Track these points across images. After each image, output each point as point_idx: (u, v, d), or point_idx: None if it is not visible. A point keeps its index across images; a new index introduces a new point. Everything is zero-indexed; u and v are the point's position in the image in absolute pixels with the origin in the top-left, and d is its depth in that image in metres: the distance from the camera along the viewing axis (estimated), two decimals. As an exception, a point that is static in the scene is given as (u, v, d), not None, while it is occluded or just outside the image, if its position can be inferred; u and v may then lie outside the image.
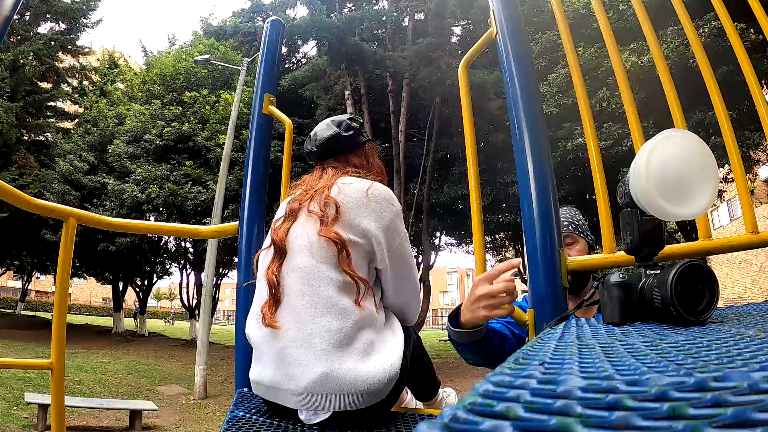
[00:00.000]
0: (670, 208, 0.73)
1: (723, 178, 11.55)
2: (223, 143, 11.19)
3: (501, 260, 18.91)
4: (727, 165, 6.85)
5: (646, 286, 0.73)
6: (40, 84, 15.53)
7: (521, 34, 1.32)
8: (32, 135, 15.49)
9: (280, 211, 1.15)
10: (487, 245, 16.26)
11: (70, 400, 6.08)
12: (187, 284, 18.06)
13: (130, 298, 24.65)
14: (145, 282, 19.13)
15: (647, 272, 0.75)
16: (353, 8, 13.59)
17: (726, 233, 17.87)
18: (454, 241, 17.65)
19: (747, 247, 1.09)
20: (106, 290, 27.85)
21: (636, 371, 0.30)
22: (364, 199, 1.05)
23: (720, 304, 0.74)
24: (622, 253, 0.94)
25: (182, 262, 18.21)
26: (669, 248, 1.06)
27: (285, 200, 1.18)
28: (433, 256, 14.71)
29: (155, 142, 13.32)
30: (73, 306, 35.24)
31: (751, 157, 10.08)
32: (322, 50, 13.14)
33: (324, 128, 1.25)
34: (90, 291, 44.05)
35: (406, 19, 13.37)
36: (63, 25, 15.96)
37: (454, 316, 1.13)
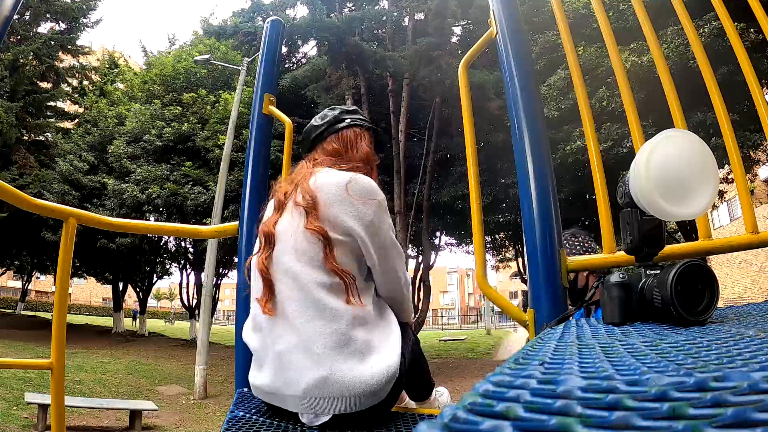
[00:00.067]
0: (670, 208, 0.73)
1: (723, 178, 11.55)
2: (223, 143, 11.19)
3: (501, 260, 18.92)
4: (727, 165, 6.85)
5: (646, 286, 0.73)
6: (40, 84, 15.52)
7: (521, 34, 1.32)
8: (32, 135, 15.49)
9: (270, 206, 1.16)
10: (487, 245, 16.26)
11: (70, 400, 6.08)
12: (187, 284, 18.07)
13: (130, 298, 24.67)
14: (145, 282, 19.13)
15: (647, 272, 0.75)
16: (353, 8, 13.58)
17: (726, 233, 17.86)
18: (454, 241, 17.64)
19: (747, 247, 1.09)
20: (106, 290, 27.84)
21: (636, 371, 0.30)
22: (343, 194, 1.03)
23: (720, 304, 0.74)
24: (622, 253, 0.94)
25: (182, 262, 18.21)
26: (669, 248, 1.06)
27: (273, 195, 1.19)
28: (433, 256, 14.70)
29: (155, 143, 13.32)
30: (73, 306, 35.25)
31: (751, 157, 10.09)
32: (322, 50, 13.14)
33: (314, 119, 1.26)
34: (90, 291, 44.05)
35: (407, 19, 13.37)
36: (63, 25, 15.96)
37: None
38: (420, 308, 12.66)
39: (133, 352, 12.82)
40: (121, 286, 18.53)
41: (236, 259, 2.63)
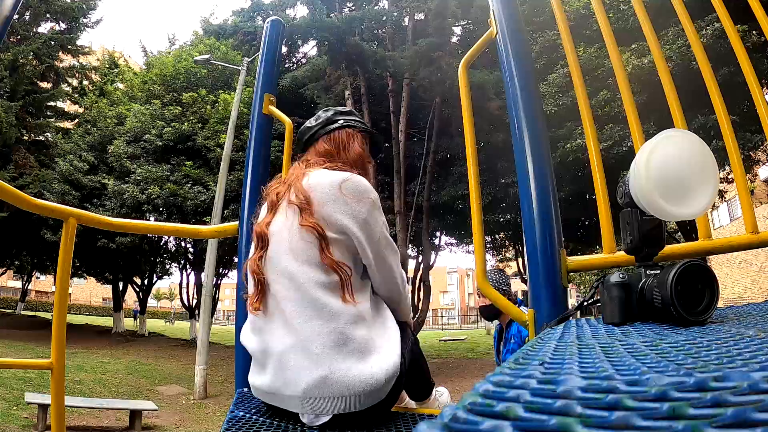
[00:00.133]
0: (670, 208, 0.73)
1: (723, 178, 11.55)
2: (223, 143, 11.19)
3: (501, 260, 18.92)
4: (727, 165, 6.85)
5: (646, 286, 0.73)
6: (40, 84, 15.52)
7: (521, 34, 1.32)
8: (32, 135, 15.48)
9: (264, 208, 1.16)
10: (487, 245, 16.25)
11: (70, 400, 6.08)
12: (187, 284, 18.07)
13: (130, 298, 24.66)
14: (145, 282, 19.13)
15: (647, 272, 0.75)
16: (353, 8, 13.58)
17: (726, 233, 17.86)
18: (454, 241, 17.64)
19: (747, 247, 1.09)
20: (106, 290, 27.84)
21: (636, 371, 0.30)
22: (337, 193, 1.04)
23: (720, 304, 0.74)
24: (622, 253, 0.94)
25: (182, 262, 18.21)
26: (669, 248, 1.06)
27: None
28: (433, 256, 14.70)
29: (155, 143, 13.32)
30: (73, 306, 35.24)
31: (751, 157, 10.09)
32: (322, 50, 13.13)
33: (309, 120, 1.27)
34: (90, 291, 44.05)
35: (407, 19, 13.37)
36: (63, 25, 15.96)
37: None
38: (420, 308, 12.65)
39: (133, 352, 12.82)
40: (121, 286, 18.53)
41: (236, 259, 2.63)
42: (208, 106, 13.83)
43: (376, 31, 13.60)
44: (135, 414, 6.46)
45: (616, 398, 0.22)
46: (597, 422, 0.19)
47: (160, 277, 20.64)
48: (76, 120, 16.60)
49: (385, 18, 13.02)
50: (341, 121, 1.23)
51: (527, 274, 1.15)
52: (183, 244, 16.84)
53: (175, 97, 14.61)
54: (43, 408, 5.48)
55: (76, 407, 6.46)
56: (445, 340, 20.96)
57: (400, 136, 12.28)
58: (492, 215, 12.80)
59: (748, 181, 1.27)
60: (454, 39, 13.40)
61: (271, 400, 1.03)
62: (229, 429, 1.01)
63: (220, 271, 16.32)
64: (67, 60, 16.45)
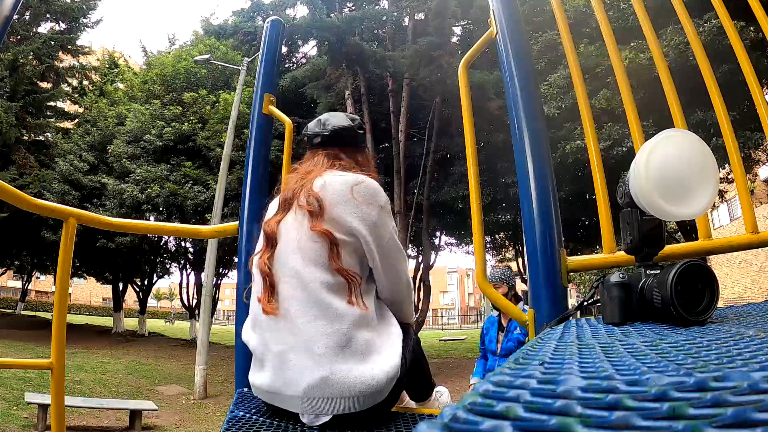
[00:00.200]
0: (670, 208, 0.73)
1: (723, 178, 11.54)
2: (224, 143, 11.19)
3: (501, 260, 18.91)
4: (727, 165, 6.85)
5: (646, 286, 0.73)
6: (40, 84, 15.51)
7: (521, 34, 1.32)
8: (32, 135, 15.47)
9: (274, 204, 1.15)
10: (487, 245, 16.25)
11: (70, 400, 6.08)
12: (187, 284, 18.06)
13: (131, 298, 24.66)
14: (145, 282, 19.13)
15: (647, 272, 0.75)
16: (353, 8, 13.58)
17: (726, 233, 17.86)
18: (454, 241, 17.63)
19: (747, 247, 1.09)
20: (106, 290, 27.83)
21: (636, 371, 0.30)
22: (348, 195, 1.04)
23: (720, 304, 0.74)
24: (622, 253, 0.94)
25: (182, 262, 18.21)
26: (669, 248, 1.06)
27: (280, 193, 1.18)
28: (433, 256, 14.70)
29: (155, 143, 13.32)
30: (73, 306, 35.23)
31: (751, 157, 10.08)
32: (322, 50, 13.13)
33: (340, 118, 1.23)
34: (90, 291, 44.04)
35: (407, 19, 13.36)
36: (63, 25, 15.95)
37: None
38: (420, 308, 12.65)
39: (133, 352, 12.82)
40: (121, 286, 18.53)
41: (236, 259, 2.63)
42: (208, 106, 13.82)
43: (376, 31, 13.60)
44: (135, 414, 6.46)
45: (616, 398, 0.22)
46: (597, 422, 0.19)
47: (160, 277, 20.63)
48: (76, 120, 16.60)
49: (385, 18, 13.02)
50: (362, 130, 1.25)
51: (527, 274, 1.15)
52: (183, 244, 16.84)
53: (175, 97, 14.61)
54: (43, 408, 5.48)
55: (76, 407, 6.46)
56: (445, 340, 20.96)
57: (400, 136, 12.28)
58: (492, 215, 12.79)
59: (748, 181, 1.27)
60: (454, 39, 13.39)
61: (272, 399, 1.03)
62: (229, 429, 1.01)
63: (220, 271, 16.32)
64: (67, 60, 16.44)
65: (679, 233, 12.19)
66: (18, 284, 31.81)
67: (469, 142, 1.37)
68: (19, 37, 14.61)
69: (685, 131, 0.78)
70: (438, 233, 16.07)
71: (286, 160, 1.63)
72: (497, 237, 15.98)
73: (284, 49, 13.41)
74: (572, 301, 1.14)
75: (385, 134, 13.02)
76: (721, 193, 11.89)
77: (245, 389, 1.32)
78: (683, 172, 0.73)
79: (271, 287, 1.03)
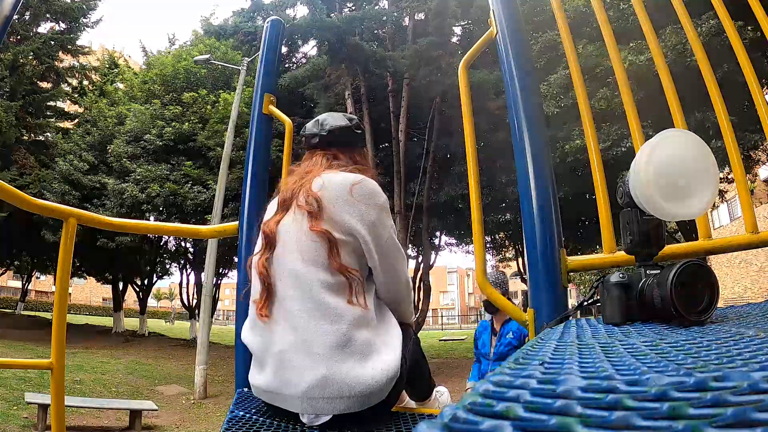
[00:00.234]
0: (670, 208, 0.73)
1: (723, 178, 11.54)
2: (224, 143, 11.19)
3: (501, 260, 18.91)
4: (727, 165, 6.85)
5: (646, 286, 0.73)
6: (40, 84, 15.51)
7: (521, 34, 1.32)
8: (32, 135, 15.47)
9: (272, 205, 1.15)
10: (487, 245, 16.25)
11: (70, 400, 6.08)
12: (187, 284, 18.06)
13: (131, 298, 24.65)
14: (145, 282, 19.13)
15: (647, 272, 0.75)
16: (353, 8, 13.57)
17: (726, 233, 17.85)
18: (454, 241, 17.63)
19: (747, 247, 1.09)
20: (106, 290, 27.83)
21: (636, 371, 0.30)
22: (347, 195, 1.04)
23: (720, 304, 0.74)
24: (622, 253, 0.94)
25: (182, 262, 18.21)
26: (669, 248, 1.06)
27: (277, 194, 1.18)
28: (433, 256, 14.70)
29: (155, 142, 13.32)
30: (73, 306, 35.21)
31: (751, 157, 10.08)
32: (322, 50, 13.13)
33: (337, 118, 1.23)
34: (90, 291, 44.03)
35: (407, 19, 13.36)
36: (63, 25, 15.94)
37: None
38: (420, 308, 12.65)
39: (133, 352, 12.82)
40: (121, 286, 18.52)
41: (236, 259, 2.63)
42: (209, 106, 13.82)
43: (376, 31, 13.60)
44: (135, 414, 6.46)
45: (616, 398, 0.22)
46: (597, 422, 0.19)
47: (160, 277, 20.63)
48: (76, 120, 16.60)
49: (385, 18, 13.02)
50: (360, 130, 1.25)
51: (527, 274, 1.15)
52: (183, 244, 16.84)
53: (175, 97, 14.61)
54: (43, 408, 5.48)
55: (76, 407, 6.46)
56: (445, 340, 20.96)
57: (400, 136, 12.28)
58: (492, 215, 12.80)
59: (748, 181, 1.27)
60: (454, 39, 13.40)
61: (272, 399, 1.03)
62: (229, 429, 1.01)
63: (220, 271, 16.32)
64: (67, 60, 16.44)
65: (679, 233, 12.19)
66: (18, 284, 31.80)
67: (469, 142, 1.37)
68: (19, 37, 14.61)
69: (686, 131, 0.78)
70: (438, 233, 16.07)
71: (286, 160, 1.63)
72: (497, 237, 15.98)
73: (284, 49, 13.42)
74: (572, 301, 1.14)
75: (385, 134, 13.02)
76: (721, 193, 11.89)
77: (245, 389, 1.32)
78: (683, 172, 0.73)
79: (267, 290, 1.03)
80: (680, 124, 1.15)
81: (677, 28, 7.28)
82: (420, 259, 14.12)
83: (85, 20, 16.15)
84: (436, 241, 16.15)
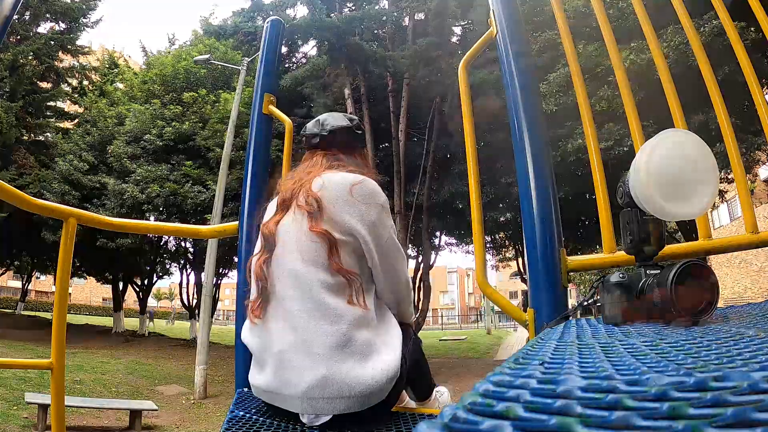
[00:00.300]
0: (670, 208, 0.73)
1: (723, 178, 11.54)
2: (224, 143, 11.19)
3: (501, 260, 18.90)
4: (727, 165, 6.85)
5: (646, 286, 0.73)
6: (40, 84, 15.50)
7: (521, 34, 1.32)
8: (32, 135, 15.48)
9: (272, 205, 1.15)
10: (487, 245, 16.25)
11: (70, 400, 6.08)
12: (187, 284, 18.05)
13: (131, 298, 24.65)
14: (145, 282, 19.13)
15: (647, 272, 0.75)
16: (353, 8, 13.57)
17: (726, 233, 17.85)
18: (454, 241, 17.63)
19: (747, 247, 1.09)
20: (106, 290, 27.83)
21: (636, 371, 0.30)
22: (347, 195, 1.04)
23: (720, 304, 0.74)
24: (622, 253, 0.94)
25: (182, 262, 18.21)
26: (669, 248, 1.06)
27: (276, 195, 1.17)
28: (433, 256, 14.70)
29: (155, 142, 13.32)
30: (73, 306, 35.20)
31: (751, 157, 10.08)
32: (322, 50, 13.13)
33: (338, 118, 1.23)
34: (90, 291, 44.03)
35: (407, 19, 13.37)
36: (63, 25, 15.94)
37: None
38: (420, 308, 12.65)
39: (133, 352, 12.82)
40: (121, 286, 18.52)
41: (236, 259, 2.63)
42: (208, 106, 13.82)
43: (376, 31, 13.60)
44: (135, 414, 6.46)
45: (616, 398, 0.22)
46: (597, 422, 0.19)
47: (160, 277, 20.62)
48: (76, 120, 16.59)
49: (385, 18, 13.02)
50: (360, 130, 1.25)
51: (527, 274, 1.15)
52: (183, 243, 16.84)
53: (174, 97, 14.61)
54: (43, 408, 5.48)
55: (76, 407, 6.46)
56: (445, 340, 20.96)
57: (400, 136, 12.28)
58: (492, 214, 12.80)
59: (748, 181, 1.27)
60: (454, 39, 13.40)
61: (272, 399, 1.03)
62: (229, 429, 1.01)
63: (220, 271, 16.31)
64: (67, 60, 16.44)
65: (679, 233, 12.19)
66: (18, 284, 31.79)
67: (469, 142, 1.37)
68: (19, 37, 14.61)
69: (686, 131, 0.78)
70: (438, 233, 16.07)
71: (286, 160, 1.63)
72: (497, 237, 15.98)
73: (284, 49, 13.43)
74: (572, 301, 1.14)
75: (385, 134, 13.02)
76: (721, 193, 11.89)
77: (245, 389, 1.32)
78: (683, 172, 0.73)
79: (262, 292, 1.03)
80: (681, 124, 1.15)
81: (678, 28, 7.28)
82: (420, 259, 14.12)
83: (85, 20, 16.15)
84: (436, 241, 16.16)
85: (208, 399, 8.84)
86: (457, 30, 13.68)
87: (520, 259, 16.40)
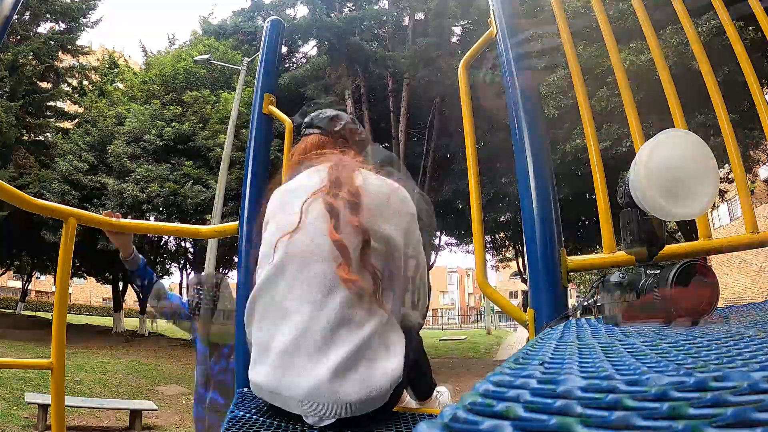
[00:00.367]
0: (670, 208, 0.73)
1: (723, 178, 11.54)
2: (223, 143, 11.19)
3: (501, 260, 18.90)
4: (727, 165, 6.85)
5: (646, 286, 0.73)
6: (40, 84, 15.51)
7: (521, 34, 1.32)
8: (32, 135, 15.48)
9: (275, 198, 1.11)
10: (487, 245, 16.25)
11: (70, 400, 6.07)
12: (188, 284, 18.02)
13: (131, 298, 24.64)
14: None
15: (647, 272, 0.75)
16: (353, 8, 13.58)
17: (726, 233, 17.85)
18: (454, 241, 17.64)
19: (747, 247, 1.09)
20: (106, 290, 27.81)
21: (636, 371, 0.30)
22: (385, 202, 1.03)
23: (720, 304, 0.74)
24: (622, 253, 0.94)
25: (182, 262, 18.20)
26: (669, 248, 1.06)
27: (285, 185, 1.14)
28: (433, 256, 14.70)
29: (155, 142, 13.32)
30: (73, 306, 35.17)
31: (751, 156, 10.08)
32: (322, 50, 13.14)
33: (346, 116, 1.24)
34: (90, 291, 43.99)
35: (407, 19, 13.37)
36: (62, 25, 15.94)
37: None
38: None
39: (133, 352, 12.82)
40: (121, 286, 18.51)
41: (236, 259, 2.63)
42: (208, 106, 13.83)
43: (376, 31, 13.60)
44: (135, 414, 6.46)
45: (616, 398, 0.22)
46: (597, 422, 0.19)
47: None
48: (76, 120, 16.59)
49: (385, 18, 13.03)
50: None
51: (527, 274, 1.15)
52: (183, 243, 16.84)
53: (174, 97, 14.61)
54: (43, 408, 5.48)
55: (76, 407, 6.45)
56: (445, 340, 20.95)
57: (400, 136, 12.28)
58: (492, 214, 12.80)
59: (748, 181, 1.27)
60: (454, 39, 13.40)
61: (273, 399, 1.02)
62: (229, 429, 1.01)
63: (220, 270, 16.31)
64: (66, 60, 16.44)
65: (679, 233, 12.19)
66: (18, 284, 31.77)
67: (469, 142, 1.37)
68: (19, 37, 14.61)
69: (686, 131, 0.78)
70: (438, 233, 16.07)
71: (286, 160, 1.63)
72: (497, 237, 15.98)
73: (284, 49, 13.42)
74: (572, 301, 1.14)
75: (385, 134, 13.02)
76: (721, 193, 11.89)
77: (245, 389, 1.32)
78: (683, 172, 0.73)
79: (270, 279, 1.00)
80: (681, 124, 1.15)
81: (677, 28, 7.28)
82: (420, 259, 14.10)
83: (84, 20, 16.16)
84: (436, 241, 16.15)
85: (208, 399, 8.82)
86: (457, 30, 13.69)
87: (520, 259, 16.40)
